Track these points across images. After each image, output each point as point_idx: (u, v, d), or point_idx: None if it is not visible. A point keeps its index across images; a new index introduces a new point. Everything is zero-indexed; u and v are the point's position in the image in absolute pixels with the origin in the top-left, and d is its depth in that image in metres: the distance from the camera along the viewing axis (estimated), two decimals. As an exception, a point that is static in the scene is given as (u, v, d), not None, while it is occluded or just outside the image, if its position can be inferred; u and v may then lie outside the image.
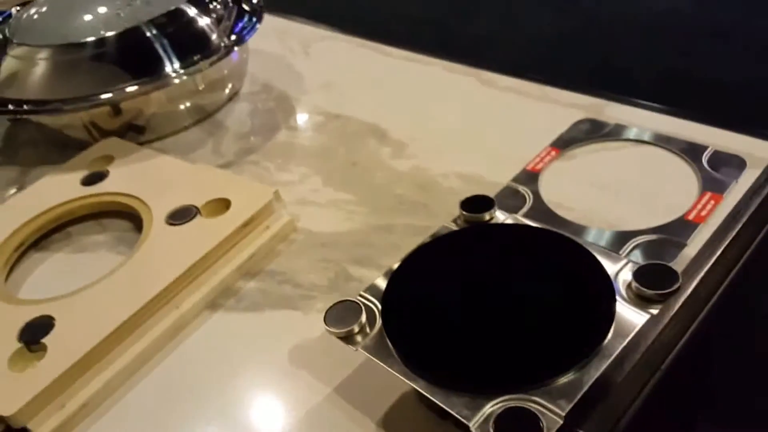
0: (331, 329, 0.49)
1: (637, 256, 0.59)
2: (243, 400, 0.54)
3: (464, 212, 0.58)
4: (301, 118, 0.92)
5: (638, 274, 0.48)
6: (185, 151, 0.89)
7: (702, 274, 0.57)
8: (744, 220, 0.60)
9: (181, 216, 0.70)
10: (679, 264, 0.57)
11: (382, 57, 1.02)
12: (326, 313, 0.50)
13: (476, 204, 0.58)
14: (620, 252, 0.59)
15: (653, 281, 0.47)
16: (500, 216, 0.58)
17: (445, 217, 0.67)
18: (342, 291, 0.62)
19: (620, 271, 0.50)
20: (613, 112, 0.78)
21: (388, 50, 1.03)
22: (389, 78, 0.96)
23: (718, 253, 0.58)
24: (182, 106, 0.94)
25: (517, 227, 0.56)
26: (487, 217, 0.58)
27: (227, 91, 0.98)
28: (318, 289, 0.63)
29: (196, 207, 0.71)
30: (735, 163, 0.67)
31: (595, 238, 0.61)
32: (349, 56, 1.05)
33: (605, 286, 0.48)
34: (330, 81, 0.98)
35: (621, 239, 0.61)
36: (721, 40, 2.16)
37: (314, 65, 1.04)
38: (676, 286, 0.46)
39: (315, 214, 0.73)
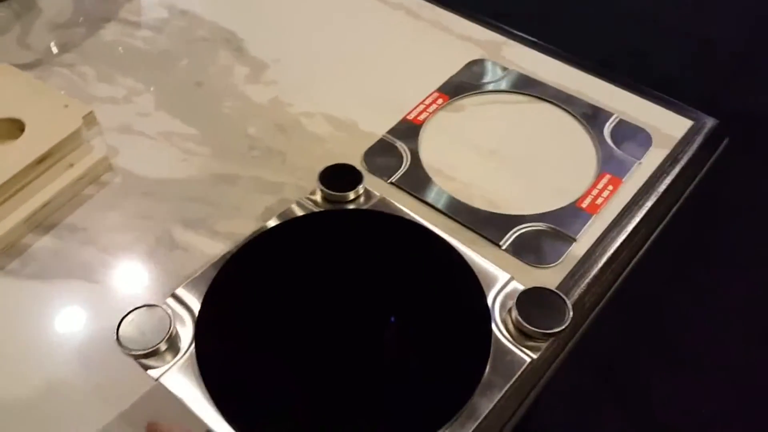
0: (125, 347, 0.36)
1: (519, 249, 0.50)
2: (11, 401, 0.41)
3: (323, 188, 0.45)
4: (138, 10, 0.72)
5: (521, 303, 0.39)
6: (-22, 37, 0.68)
7: (589, 279, 0.49)
8: (641, 215, 0.53)
9: (-49, 138, 0.53)
10: (565, 264, 0.49)
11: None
12: (121, 322, 0.38)
13: (339, 176, 0.46)
14: (501, 242, 0.50)
15: (538, 314, 0.38)
16: (368, 191, 0.47)
17: (303, 174, 0.55)
18: (162, 263, 0.49)
19: (501, 290, 0.41)
20: (512, 53, 0.67)
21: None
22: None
23: (609, 253, 0.50)
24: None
25: (382, 219, 0.45)
26: (351, 196, 0.46)
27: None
28: (132, 255, 0.50)
29: (-26, 127, 0.53)
30: (640, 139, 0.58)
31: (475, 219, 0.52)
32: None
33: (481, 314, 0.39)
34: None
35: (504, 225, 0.52)
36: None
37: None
38: (564, 326, 0.38)
39: (140, 150, 0.57)
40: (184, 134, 0.59)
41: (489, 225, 0.52)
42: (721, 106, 0.59)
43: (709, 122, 0.60)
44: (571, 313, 0.38)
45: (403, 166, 0.56)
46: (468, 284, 0.40)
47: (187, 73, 0.64)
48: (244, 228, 0.49)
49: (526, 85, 0.63)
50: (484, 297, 0.40)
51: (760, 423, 1.19)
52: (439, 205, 0.53)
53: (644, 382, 1.25)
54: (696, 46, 1.86)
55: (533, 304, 0.39)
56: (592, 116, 0.60)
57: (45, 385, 0.42)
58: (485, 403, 0.35)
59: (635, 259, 0.51)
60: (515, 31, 0.69)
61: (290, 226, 0.44)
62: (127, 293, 0.47)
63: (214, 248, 0.50)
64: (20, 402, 0.42)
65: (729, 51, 1.87)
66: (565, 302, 0.39)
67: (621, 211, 0.53)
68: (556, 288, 0.46)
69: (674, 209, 0.54)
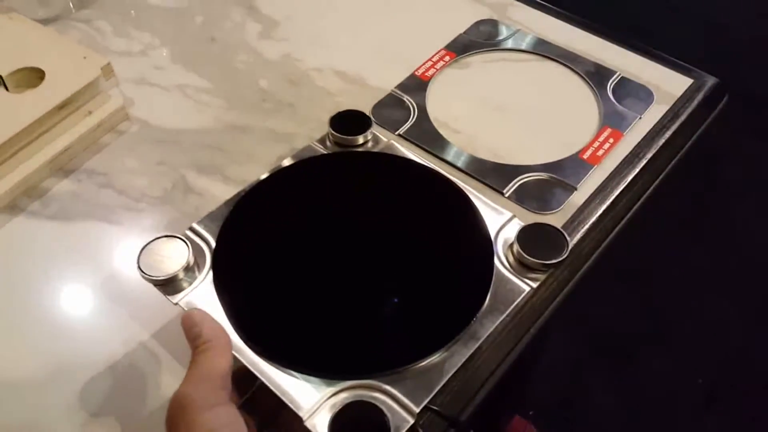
0: (145, 273, 0.39)
1: (522, 196, 0.52)
2: (39, 332, 0.44)
3: (333, 132, 0.47)
4: (153, -32, 0.74)
5: (522, 237, 0.41)
6: (-3, -8, 0.70)
7: (588, 225, 0.51)
8: (641, 166, 0.54)
9: (-25, 86, 0.54)
10: (566, 211, 0.51)
11: None
12: (142, 250, 0.40)
13: (349, 122, 0.48)
14: (504, 190, 0.52)
15: (538, 247, 0.40)
16: (376, 136, 0.48)
17: (314, 125, 0.57)
18: (177, 206, 0.51)
19: (503, 227, 0.42)
20: (518, 14, 0.68)
21: None
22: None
23: (608, 202, 0.52)
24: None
25: (391, 160, 0.47)
26: (360, 140, 0.47)
27: None
28: (147, 199, 0.52)
29: (-2, 76, 0.55)
30: (642, 95, 0.60)
31: (479, 169, 0.53)
32: None
33: (484, 246, 0.41)
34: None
35: (507, 175, 0.53)
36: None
37: None
38: (562, 257, 0.40)
39: (156, 100, 0.59)
40: (198, 87, 0.60)
41: (493, 174, 0.53)
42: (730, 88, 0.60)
43: (710, 80, 0.61)
44: (570, 246, 0.40)
45: (410, 119, 0.58)
46: (472, 220, 0.42)
47: (201, 29, 0.66)
48: (255, 174, 0.51)
49: (531, 45, 0.64)
50: (486, 231, 0.42)
51: (749, 398, 1.21)
52: (445, 156, 0.54)
53: (634, 355, 1.27)
54: (705, 28, 1.86)
55: (533, 238, 0.41)
56: (595, 74, 0.62)
57: (72, 318, 0.45)
58: (487, 326, 0.37)
59: (634, 209, 0.53)
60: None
61: (301, 165, 0.46)
62: (144, 233, 0.49)
63: (227, 192, 0.51)
64: (48, 333, 0.44)
65: (740, 35, 1.87)
66: (564, 237, 0.40)
67: (621, 163, 0.54)
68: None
69: (673, 162, 0.56)
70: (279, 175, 0.45)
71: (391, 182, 0.45)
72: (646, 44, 0.64)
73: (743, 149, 1.59)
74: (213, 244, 0.41)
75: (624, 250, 0.52)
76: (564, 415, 1.20)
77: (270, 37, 0.65)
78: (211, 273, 0.39)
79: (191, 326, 0.34)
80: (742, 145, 1.59)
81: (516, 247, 0.40)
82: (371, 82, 0.61)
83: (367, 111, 0.58)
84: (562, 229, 0.41)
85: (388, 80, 0.61)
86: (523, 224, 0.42)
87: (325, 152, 0.47)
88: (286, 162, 0.46)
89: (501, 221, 0.43)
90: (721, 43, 1.83)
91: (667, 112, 0.58)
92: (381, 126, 0.57)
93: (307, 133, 0.56)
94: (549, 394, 1.22)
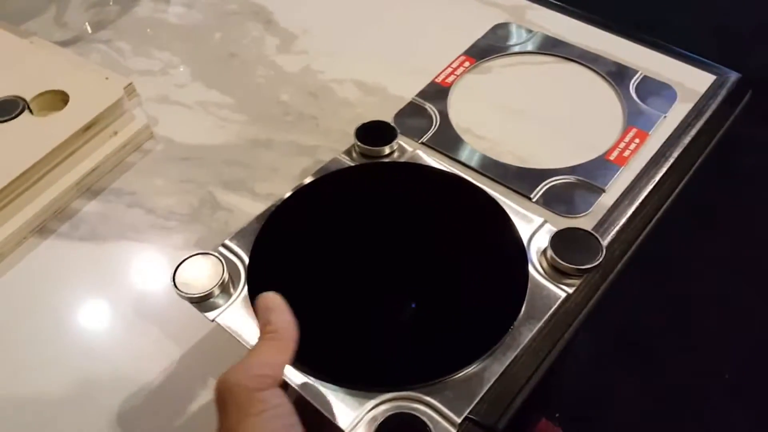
0: (181, 291, 0.39)
1: (550, 200, 0.51)
2: (73, 353, 0.44)
3: (359, 143, 0.47)
4: (170, -13, 0.74)
5: (555, 242, 0.40)
6: (18, 19, 0.70)
7: (618, 227, 0.50)
8: (668, 165, 0.54)
9: (2, 111, 0.55)
10: (595, 213, 0.51)
11: None
12: (177, 268, 0.40)
13: (374, 133, 0.48)
14: (531, 195, 0.52)
15: (572, 252, 0.40)
16: (401, 146, 0.48)
17: (337, 137, 0.57)
18: (206, 222, 0.51)
19: (535, 233, 0.42)
20: (536, 16, 0.68)
21: None
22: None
23: (638, 202, 0.52)
24: (17, -45, 0.74)
25: (419, 170, 0.47)
26: (386, 151, 0.47)
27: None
28: (176, 217, 0.52)
29: (23, 100, 0.56)
30: (665, 94, 0.59)
31: (505, 174, 0.53)
32: None
33: (518, 253, 0.41)
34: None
35: (534, 179, 0.53)
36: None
37: None
38: (598, 261, 0.39)
39: (179, 118, 0.60)
40: (220, 103, 0.61)
41: (519, 179, 0.53)
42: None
43: (732, 76, 0.61)
44: (605, 250, 0.40)
45: (433, 127, 0.57)
46: (504, 227, 0.42)
47: (220, 45, 0.66)
48: (281, 188, 0.51)
49: (551, 47, 0.64)
50: (519, 238, 0.41)
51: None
52: (470, 162, 0.54)
53: (658, 349, 1.26)
54: (718, 17, 1.84)
55: (567, 243, 0.40)
56: (617, 74, 0.61)
57: (105, 338, 0.45)
58: (525, 333, 0.37)
59: (663, 208, 0.53)
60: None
61: (330, 178, 0.46)
62: (175, 251, 0.50)
63: (256, 208, 0.51)
64: (82, 353, 0.44)
65: (753, 22, 1.85)
66: (597, 240, 0.40)
67: (648, 163, 0.54)
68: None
69: (700, 160, 0.55)
70: (308, 188, 0.45)
71: (421, 192, 0.45)
72: (659, 34, 0.63)
73: (757, 138, 1.57)
74: (246, 260, 0.41)
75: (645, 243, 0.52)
76: (589, 414, 1.19)
77: (289, 50, 0.65)
78: (246, 289, 0.39)
79: (264, 309, 0.34)
80: (755, 134, 1.57)
81: (550, 252, 0.40)
82: (392, 91, 0.61)
83: (389, 120, 0.58)
84: (594, 233, 0.41)
85: (409, 88, 0.61)
86: (555, 229, 0.42)
87: (352, 164, 0.47)
88: (311, 177, 0.46)
89: (533, 227, 0.42)
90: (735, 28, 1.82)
91: (691, 109, 0.58)
92: (404, 135, 0.57)
93: (330, 144, 0.56)
94: (574, 393, 1.21)
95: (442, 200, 0.45)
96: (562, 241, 0.40)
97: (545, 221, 0.43)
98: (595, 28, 0.66)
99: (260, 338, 0.33)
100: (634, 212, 0.51)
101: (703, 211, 1.43)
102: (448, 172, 0.46)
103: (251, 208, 0.52)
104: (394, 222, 0.43)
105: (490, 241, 0.42)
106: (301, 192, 0.45)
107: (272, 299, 0.34)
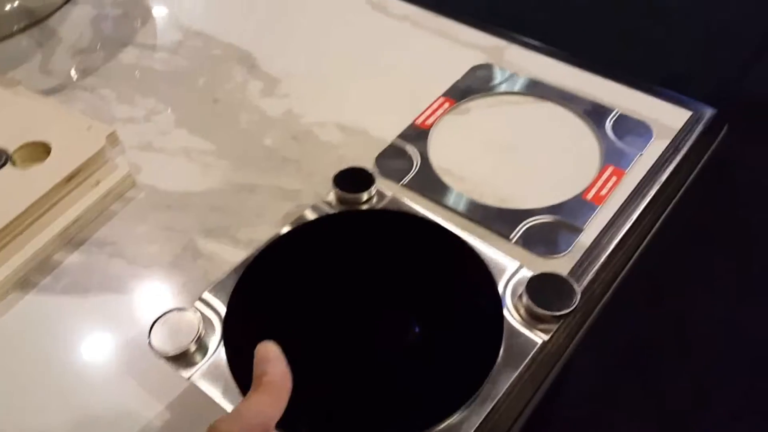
0: (157, 349, 0.39)
1: (529, 241, 0.52)
2: (53, 408, 0.44)
3: (338, 189, 0.48)
4: (155, 33, 0.76)
5: (531, 288, 0.41)
6: (5, 67, 0.71)
7: (597, 267, 0.51)
8: (646, 202, 0.55)
9: (-16, 163, 0.56)
10: (574, 253, 0.51)
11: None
12: (153, 326, 0.40)
13: (353, 179, 0.48)
14: (510, 236, 0.52)
15: (547, 297, 0.40)
16: (380, 191, 0.49)
17: (319, 180, 0.57)
18: (187, 271, 0.52)
19: (511, 278, 0.43)
20: (514, 56, 0.69)
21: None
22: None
23: (616, 241, 0.52)
24: (8, 6, 0.76)
25: (396, 217, 0.47)
26: (365, 197, 0.48)
27: (61, -11, 0.79)
28: (157, 266, 0.52)
29: (5, 152, 0.56)
30: (641, 132, 0.60)
31: (485, 215, 0.54)
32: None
33: (493, 301, 0.41)
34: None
35: (513, 219, 0.54)
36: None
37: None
38: (572, 308, 0.40)
39: (162, 166, 0.60)
40: (203, 149, 0.61)
41: (499, 220, 0.54)
42: (732, 96, 0.61)
43: (708, 111, 0.62)
44: (579, 296, 0.40)
45: (413, 169, 0.58)
46: (479, 274, 0.42)
47: (203, 91, 0.67)
48: (264, 234, 0.51)
49: (529, 87, 0.65)
50: (495, 285, 0.42)
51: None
52: (450, 204, 0.55)
53: (660, 370, 1.26)
54: (706, 35, 1.86)
55: (542, 288, 0.41)
56: (593, 112, 0.62)
57: (85, 395, 0.45)
58: (502, 383, 0.37)
59: (642, 246, 0.53)
60: (517, 35, 0.71)
61: (306, 228, 0.46)
62: (156, 302, 0.50)
63: (237, 255, 0.52)
64: (64, 408, 0.44)
65: (741, 40, 1.87)
66: (572, 286, 0.40)
67: (625, 201, 0.55)
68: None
69: (678, 195, 0.56)
70: (285, 239, 0.45)
71: (397, 240, 0.46)
72: (651, 57, 0.64)
73: (748, 155, 1.59)
74: (223, 313, 0.41)
75: (645, 264, 0.52)
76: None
77: (272, 94, 0.66)
78: (222, 345, 0.40)
79: (262, 359, 0.33)
80: (746, 151, 1.59)
81: (525, 298, 0.40)
82: (373, 133, 0.62)
83: (371, 162, 0.59)
84: (570, 278, 0.41)
85: (390, 130, 0.62)
86: (531, 274, 0.42)
87: (330, 212, 0.48)
88: (288, 227, 0.46)
89: (509, 272, 0.43)
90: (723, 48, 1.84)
91: (668, 146, 0.59)
92: (385, 177, 0.57)
93: (313, 188, 0.57)
94: (573, 422, 1.20)
95: (418, 248, 0.45)
96: (537, 286, 0.41)
97: (521, 266, 0.43)
98: (571, 67, 0.67)
99: (255, 388, 0.32)
100: (612, 251, 0.52)
101: (701, 230, 1.43)
102: (424, 218, 0.46)
103: (232, 255, 0.52)
104: (370, 273, 0.44)
105: (466, 289, 0.42)
106: (277, 243, 0.45)
107: (271, 349, 0.34)
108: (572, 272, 0.50)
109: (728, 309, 1.34)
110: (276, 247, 0.45)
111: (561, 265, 0.51)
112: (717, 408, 1.20)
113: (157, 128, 0.63)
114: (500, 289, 0.42)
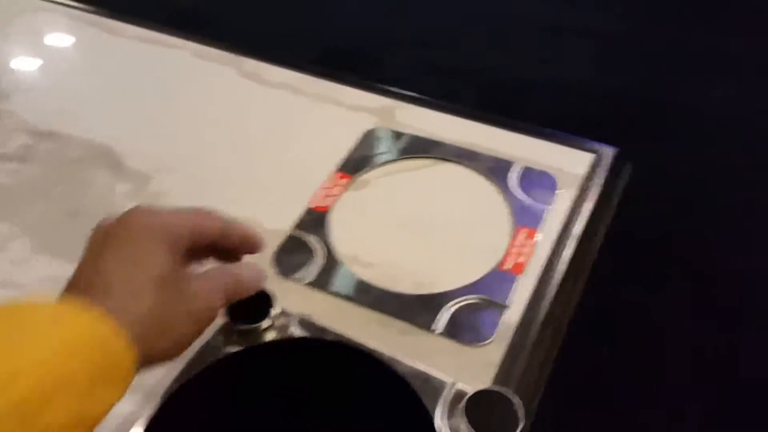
0: None
1: (452, 329, 0.47)
2: None
3: (234, 322, 0.41)
4: (-2, 140, 0.66)
5: (470, 410, 0.36)
6: None
7: (528, 350, 0.47)
8: (566, 265, 0.52)
9: None
10: (502, 335, 0.47)
11: (110, 37, 0.78)
12: None
13: (248, 304, 0.42)
14: (432, 327, 0.47)
15: (490, 422, 0.35)
16: (284, 311, 0.43)
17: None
18: None
19: (447, 397, 0.38)
20: (406, 116, 0.65)
21: (117, 27, 0.79)
22: (121, 69, 0.73)
23: (543, 315, 0.49)
24: None
25: (301, 345, 0.41)
26: (265, 325, 0.42)
27: None
28: None
29: None
30: (546, 183, 0.58)
31: (402, 306, 0.49)
32: (66, 37, 0.79)
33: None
34: (37, 80, 0.72)
35: (432, 306, 0.49)
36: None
37: (15, 50, 0.77)
38: (518, 429, 0.35)
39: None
40: (68, 275, 0.53)
41: (417, 310, 0.49)
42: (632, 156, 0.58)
43: (609, 151, 0.60)
44: (524, 416, 0.36)
45: (316, 262, 0.52)
46: (406, 401, 0.37)
47: (62, 202, 0.59)
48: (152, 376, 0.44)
49: (425, 148, 0.61)
50: (427, 412, 0.37)
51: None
52: (363, 300, 0.50)
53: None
54: (600, 95, 1.77)
55: (483, 409, 0.36)
56: (496, 169, 0.59)
57: None
58: None
59: (569, 314, 0.50)
60: (405, 92, 0.67)
61: (211, 373, 0.39)
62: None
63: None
64: None
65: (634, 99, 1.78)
66: (513, 405, 0.36)
67: (545, 265, 0.51)
68: (500, 367, 0.45)
69: (598, 249, 0.54)
70: (181, 393, 0.38)
71: (312, 372, 0.40)
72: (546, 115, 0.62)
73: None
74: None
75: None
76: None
77: (142, 194, 0.59)
78: None
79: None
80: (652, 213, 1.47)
81: (464, 425, 0.35)
82: (267, 224, 0.56)
83: (268, 260, 0.53)
84: (511, 395, 0.37)
85: (285, 219, 0.56)
86: (468, 391, 0.37)
87: (230, 349, 0.41)
88: (177, 383, 0.39)
89: (444, 392, 0.38)
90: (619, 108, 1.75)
91: (576, 196, 0.56)
92: (286, 278, 0.51)
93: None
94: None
95: (335, 379, 0.39)
96: (477, 406, 0.36)
97: (454, 383, 0.39)
98: (464, 120, 0.64)
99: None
100: (542, 326, 0.48)
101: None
102: (338, 342, 0.41)
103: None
104: (284, 414, 0.38)
105: (394, 421, 0.37)
106: (173, 399, 0.38)
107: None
108: (506, 360, 0.46)
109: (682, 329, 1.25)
110: (173, 406, 0.38)
111: (492, 351, 0.46)
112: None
113: (10, 257, 0.54)
114: (437, 413, 0.37)
